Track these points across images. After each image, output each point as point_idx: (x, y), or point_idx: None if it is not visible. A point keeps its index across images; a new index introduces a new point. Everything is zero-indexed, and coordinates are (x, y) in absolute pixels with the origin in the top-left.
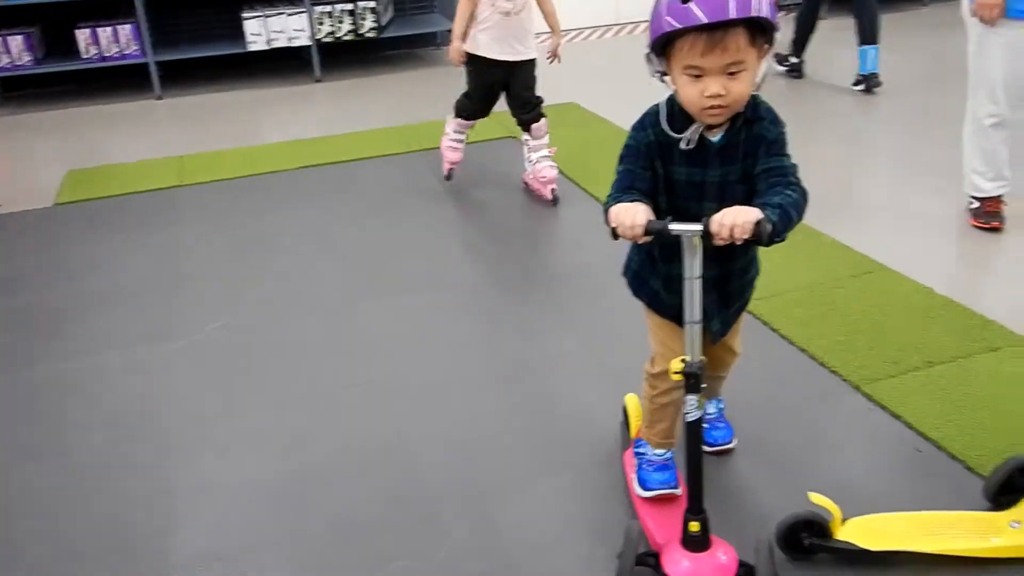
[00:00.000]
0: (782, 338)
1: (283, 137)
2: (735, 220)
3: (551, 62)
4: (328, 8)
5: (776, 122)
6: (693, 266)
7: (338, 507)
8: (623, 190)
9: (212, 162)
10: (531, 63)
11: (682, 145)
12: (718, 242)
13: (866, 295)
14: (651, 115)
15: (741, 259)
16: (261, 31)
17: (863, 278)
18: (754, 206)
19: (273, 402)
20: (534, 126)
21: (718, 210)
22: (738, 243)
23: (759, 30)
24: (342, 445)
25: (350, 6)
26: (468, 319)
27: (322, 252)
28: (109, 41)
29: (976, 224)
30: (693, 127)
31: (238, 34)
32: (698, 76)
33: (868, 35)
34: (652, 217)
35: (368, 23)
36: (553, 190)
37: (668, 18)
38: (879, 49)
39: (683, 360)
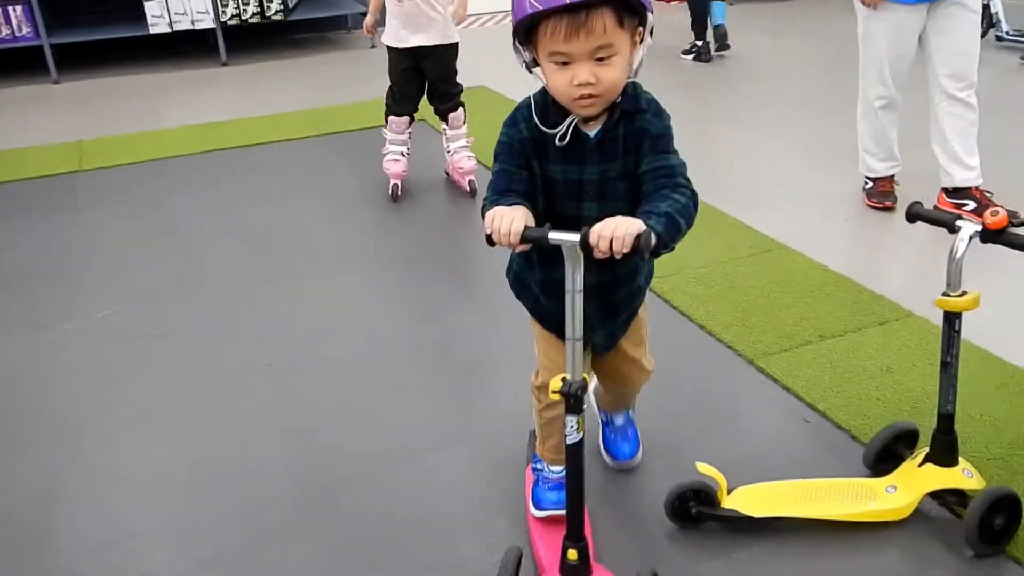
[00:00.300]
0: (681, 315)
1: (188, 121)
2: (614, 232)
3: (457, 25)
4: None
5: (660, 115)
6: (575, 278)
7: (231, 490)
8: (500, 192)
9: (113, 147)
10: (443, 49)
11: (556, 141)
12: (598, 255)
13: (764, 272)
14: (523, 109)
15: (626, 264)
16: (163, 13)
17: (762, 256)
18: (638, 213)
19: (167, 385)
20: (451, 116)
21: (599, 211)
22: (618, 257)
23: (628, 11)
24: (238, 427)
25: None
26: (373, 300)
27: (226, 235)
28: None
29: (870, 204)
30: (567, 121)
31: (139, 16)
32: (565, 63)
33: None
34: (530, 222)
35: (275, 5)
36: (471, 181)
37: (529, 1)
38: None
39: (563, 379)
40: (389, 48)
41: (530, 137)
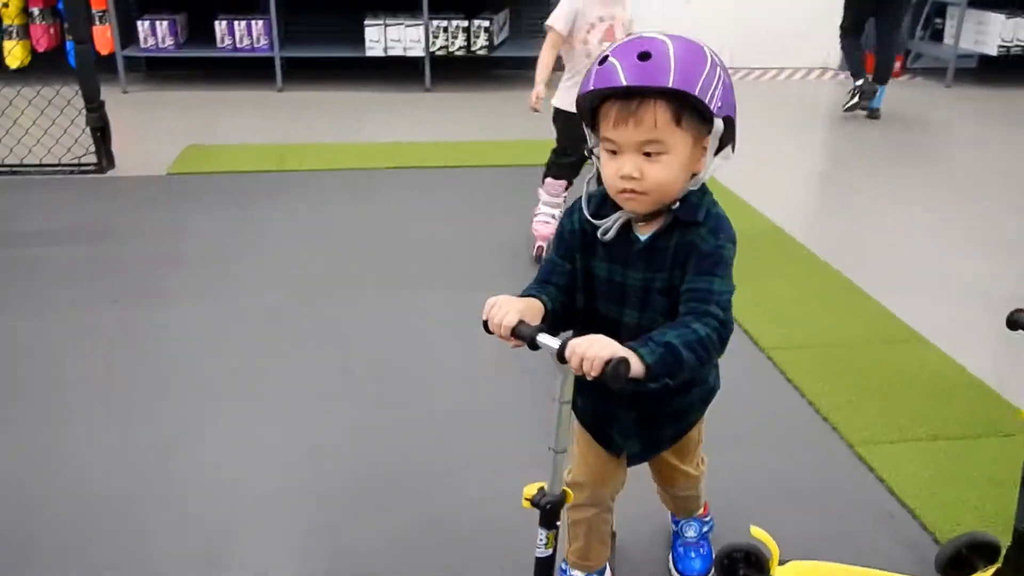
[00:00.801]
0: (792, 387)
1: (384, 138)
2: (585, 352)
3: None
4: (444, 23)
5: (717, 232)
6: (562, 388)
7: (338, 472)
8: (539, 282)
9: (313, 153)
10: None
11: (599, 234)
12: (576, 371)
13: (893, 361)
14: (581, 198)
15: None
16: (380, 39)
17: (896, 345)
18: (643, 336)
19: (304, 369)
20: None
21: (639, 320)
22: (589, 379)
23: (691, 111)
24: (357, 419)
25: (465, 23)
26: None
27: (390, 245)
28: (243, 34)
29: None
30: (615, 215)
31: (359, 39)
32: (614, 152)
33: (882, 75)
34: (531, 317)
35: (481, 41)
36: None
37: (592, 77)
38: (885, 89)
39: (540, 488)
40: (559, 111)
41: (580, 229)
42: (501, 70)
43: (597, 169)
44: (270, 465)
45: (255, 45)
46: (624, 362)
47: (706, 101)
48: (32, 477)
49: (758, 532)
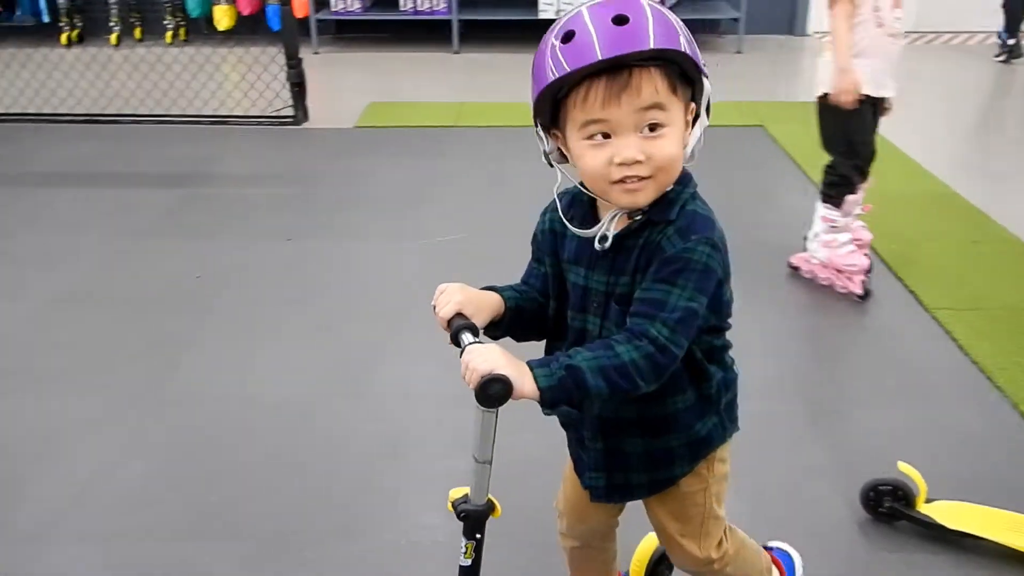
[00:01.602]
0: (956, 345)
1: (420, 98)
2: (469, 363)
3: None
4: None
5: (687, 233)
6: None
7: None
8: (523, 281)
9: (486, 111)
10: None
11: (596, 244)
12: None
13: None
14: (556, 198)
15: (652, 407)
16: (553, 1)
17: None
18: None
19: None
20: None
21: (600, 329)
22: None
23: (681, 78)
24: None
25: None
26: None
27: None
28: None
29: None
30: (610, 215)
31: (532, 2)
32: (605, 138)
33: None
34: (475, 312)
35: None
36: (864, 282)
37: (551, 64)
38: None
39: (465, 495)
40: (862, 100)
41: (550, 229)
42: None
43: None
44: (447, 380)
45: (434, 8)
46: (499, 381)
47: (694, 58)
48: (236, 386)
49: (906, 467)
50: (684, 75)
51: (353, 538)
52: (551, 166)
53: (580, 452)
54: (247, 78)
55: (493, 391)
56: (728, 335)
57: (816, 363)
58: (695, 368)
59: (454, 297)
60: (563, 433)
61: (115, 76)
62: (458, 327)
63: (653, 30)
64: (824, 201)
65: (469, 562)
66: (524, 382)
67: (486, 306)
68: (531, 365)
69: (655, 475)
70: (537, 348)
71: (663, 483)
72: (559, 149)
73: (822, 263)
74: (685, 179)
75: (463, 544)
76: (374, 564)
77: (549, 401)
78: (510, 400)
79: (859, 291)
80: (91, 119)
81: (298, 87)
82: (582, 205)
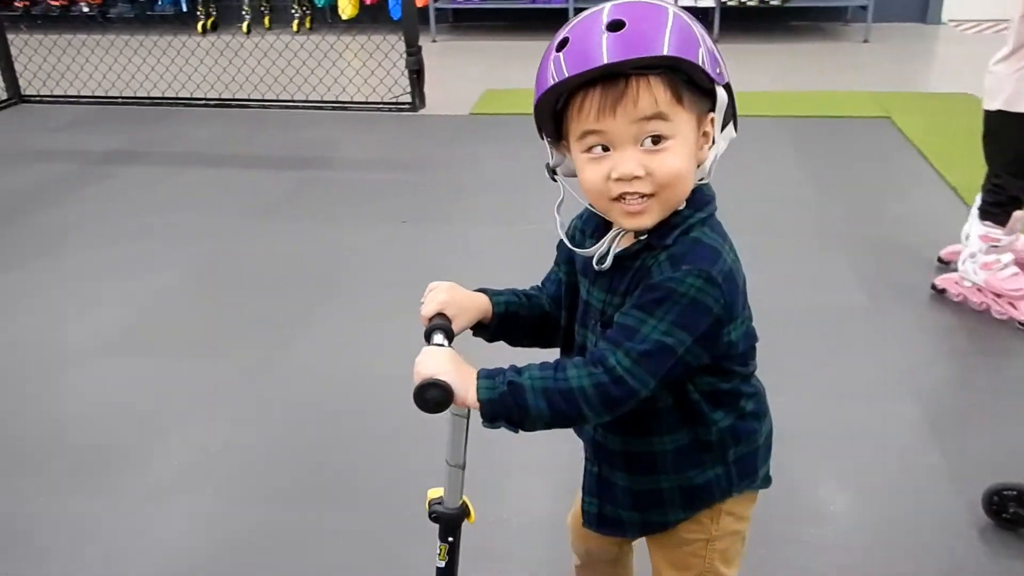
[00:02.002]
0: None
1: None
2: (416, 366)
3: None
4: None
5: (678, 261)
6: None
7: None
8: (541, 284)
9: None
10: None
11: (594, 263)
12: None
13: None
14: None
15: (634, 442)
16: None
17: None
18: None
19: None
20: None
21: (596, 346)
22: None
23: (690, 86)
24: None
25: None
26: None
27: None
28: None
29: None
30: (612, 234)
31: None
32: (605, 151)
33: None
34: (455, 311)
35: None
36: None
37: (550, 71)
38: None
39: (437, 498)
40: (1013, 115)
41: (570, 236)
42: (795, 21)
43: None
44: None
45: None
46: (436, 387)
47: (703, 66)
48: (354, 361)
49: None
50: (694, 84)
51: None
52: (553, 179)
53: (584, 475)
54: (368, 65)
55: (429, 396)
56: (846, 360)
57: (965, 392)
58: (690, 409)
59: (439, 296)
60: None
61: (245, 63)
62: (432, 327)
63: (653, 35)
64: (983, 219)
65: (443, 564)
66: (468, 391)
67: (472, 308)
68: (479, 375)
69: (646, 516)
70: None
71: (656, 526)
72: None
73: (977, 286)
74: (700, 201)
75: (438, 546)
76: (485, 538)
77: (488, 414)
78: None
79: (1022, 318)
80: (222, 103)
81: (416, 74)
82: (596, 218)
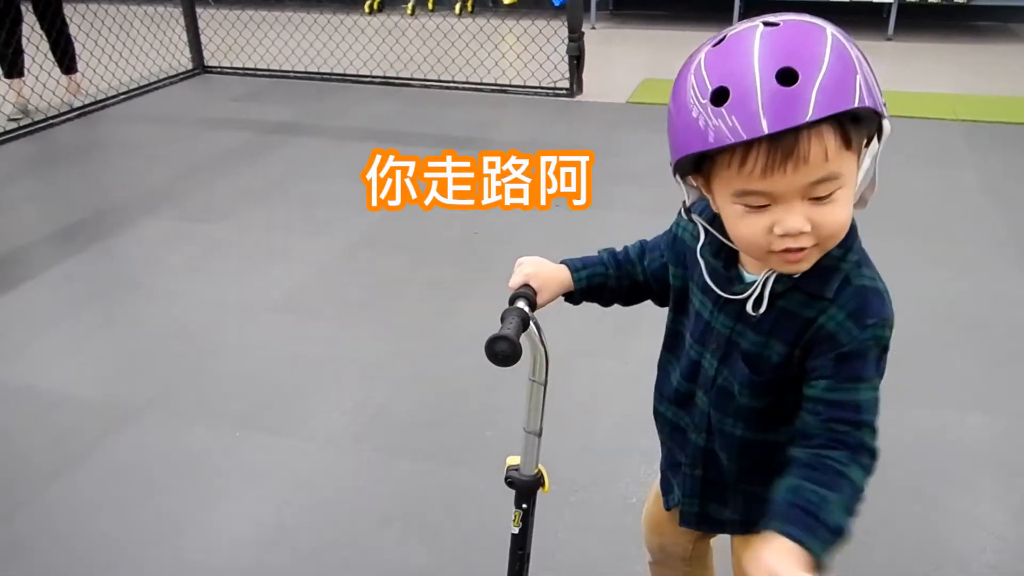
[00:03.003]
0: None
1: None
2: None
3: None
4: None
5: (862, 317)
6: (533, 367)
7: None
8: (639, 253)
9: None
10: None
11: (749, 308)
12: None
13: None
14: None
15: (742, 458)
16: None
17: None
18: (782, 492)
19: None
20: None
21: (715, 373)
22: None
23: (855, 123)
24: None
25: None
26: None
27: None
28: None
29: None
30: (763, 277)
31: None
32: (762, 206)
33: None
34: (540, 284)
35: None
36: None
37: (699, 126)
38: None
39: (516, 467)
40: None
41: (688, 240)
42: (979, 21)
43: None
44: None
45: None
46: (502, 340)
47: (877, 107)
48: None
49: None
50: (856, 117)
51: (609, 491)
52: (690, 219)
53: (673, 475)
54: (529, 49)
55: (498, 348)
56: None
57: None
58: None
59: (525, 269)
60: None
61: (412, 43)
62: (515, 295)
63: (837, 86)
64: None
65: (517, 530)
66: (796, 552)
67: (554, 283)
68: (792, 535)
69: (750, 517)
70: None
71: (755, 527)
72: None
73: None
74: (850, 237)
75: (512, 513)
76: (597, 515)
77: (820, 554)
78: None
79: None
80: (386, 81)
81: (576, 60)
82: (727, 253)
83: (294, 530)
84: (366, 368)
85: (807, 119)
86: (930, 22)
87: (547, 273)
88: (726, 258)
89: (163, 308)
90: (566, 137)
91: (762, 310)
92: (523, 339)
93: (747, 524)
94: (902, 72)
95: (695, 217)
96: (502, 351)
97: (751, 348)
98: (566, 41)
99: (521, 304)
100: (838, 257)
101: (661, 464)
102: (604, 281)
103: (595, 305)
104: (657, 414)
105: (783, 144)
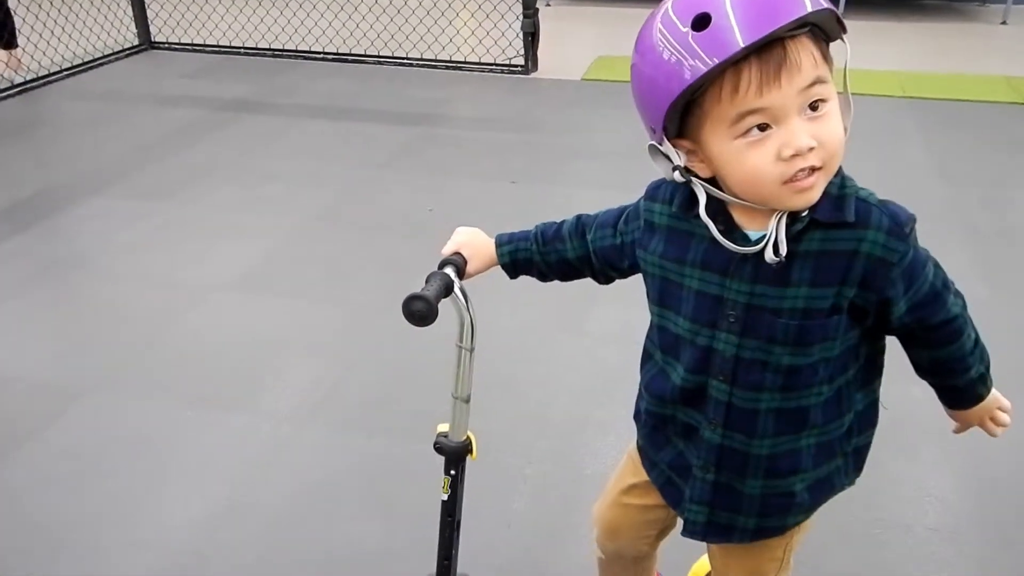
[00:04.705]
0: None
1: None
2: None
3: None
4: None
5: (898, 231)
6: (461, 334)
7: None
8: (583, 230)
9: None
10: None
11: (769, 257)
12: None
13: None
14: (663, 189)
15: (789, 441)
16: None
17: None
18: (948, 389)
19: None
20: None
21: (737, 349)
22: None
23: (825, 41)
24: None
25: None
26: None
27: None
28: None
29: None
30: (775, 220)
31: None
32: (762, 130)
33: None
34: (471, 253)
35: None
36: None
37: (685, 58)
38: None
39: (445, 433)
40: None
41: (646, 221)
42: (929, 0)
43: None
44: None
45: None
46: (418, 300)
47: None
48: None
49: None
50: (824, 32)
51: (564, 464)
52: (689, 181)
53: (683, 481)
54: (484, 25)
55: (414, 308)
56: None
57: None
58: (839, 396)
59: (458, 238)
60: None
61: (364, 18)
62: (443, 261)
63: None
64: None
65: (446, 496)
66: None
67: (484, 253)
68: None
69: (764, 523)
70: None
71: (772, 531)
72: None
73: None
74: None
75: (442, 479)
76: (553, 487)
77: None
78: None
79: None
80: (339, 58)
81: (531, 37)
82: (719, 208)
83: (247, 508)
84: (320, 346)
85: (796, 16)
86: (879, 1)
87: (479, 244)
88: (724, 222)
89: (112, 287)
90: (520, 115)
91: (783, 252)
92: (449, 305)
93: (759, 532)
94: (851, 50)
95: (694, 181)
96: (418, 310)
97: (779, 304)
98: (521, 17)
99: (448, 270)
100: (839, 184)
101: (653, 472)
102: (529, 256)
103: (555, 281)
104: (655, 416)
105: (773, 56)
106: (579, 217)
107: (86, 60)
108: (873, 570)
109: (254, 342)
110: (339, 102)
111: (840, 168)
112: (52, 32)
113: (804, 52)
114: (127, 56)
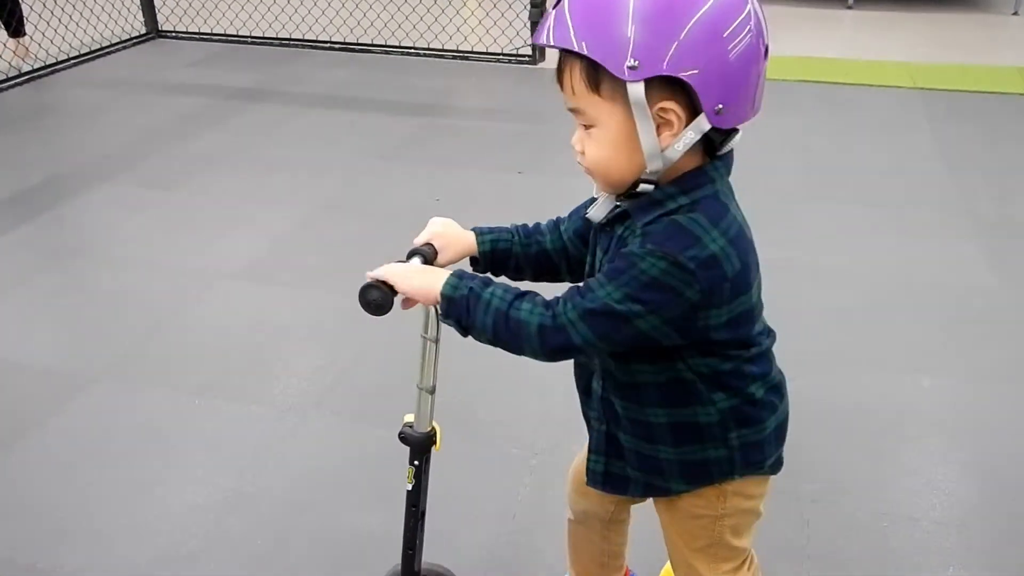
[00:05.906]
0: None
1: (795, 52)
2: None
3: None
4: None
5: (645, 241)
6: (425, 323)
7: None
8: (556, 219)
9: None
10: None
11: (589, 214)
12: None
13: None
14: None
15: (631, 409)
16: None
17: None
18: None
19: None
20: None
21: None
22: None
23: (611, 78)
24: None
25: None
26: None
27: (777, 158)
28: None
29: None
30: (604, 195)
31: None
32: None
33: None
34: (444, 245)
35: None
36: None
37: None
38: None
39: (410, 423)
40: None
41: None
42: None
43: None
44: None
45: None
46: (374, 288)
47: (616, 60)
48: None
49: None
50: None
51: (569, 455)
52: None
53: (588, 430)
54: (491, 15)
55: (371, 296)
56: (964, 340)
57: None
58: (685, 388)
59: (432, 228)
60: None
61: (371, 7)
62: (411, 251)
63: (578, 23)
64: None
65: (411, 486)
66: (435, 284)
67: (458, 244)
68: (453, 273)
69: (649, 479)
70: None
71: (659, 490)
72: None
73: None
74: (691, 183)
75: (407, 469)
76: (556, 477)
77: (444, 309)
78: (438, 308)
79: None
80: (346, 47)
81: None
82: None
83: (253, 496)
84: (326, 334)
85: (545, 42)
86: None
87: (452, 234)
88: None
89: (119, 275)
90: (527, 105)
91: (602, 219)
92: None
93: (648, 487)
94: (862, 40)
95: None
96: (373, 299)
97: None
98: (529, 7)
99: (415, 260)
100: (670, 194)
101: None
102: (509, 247)
103: (549, 279)
104: (575, 374)
105: (559, 66)
106: (557, 218)
107: (93, 49)
108: (880, 562)
109: (260, 331)
110: (346, 91)
111: (695, 185)
112: (60, 20)
113: (568, 76)
114: (134, 45)
